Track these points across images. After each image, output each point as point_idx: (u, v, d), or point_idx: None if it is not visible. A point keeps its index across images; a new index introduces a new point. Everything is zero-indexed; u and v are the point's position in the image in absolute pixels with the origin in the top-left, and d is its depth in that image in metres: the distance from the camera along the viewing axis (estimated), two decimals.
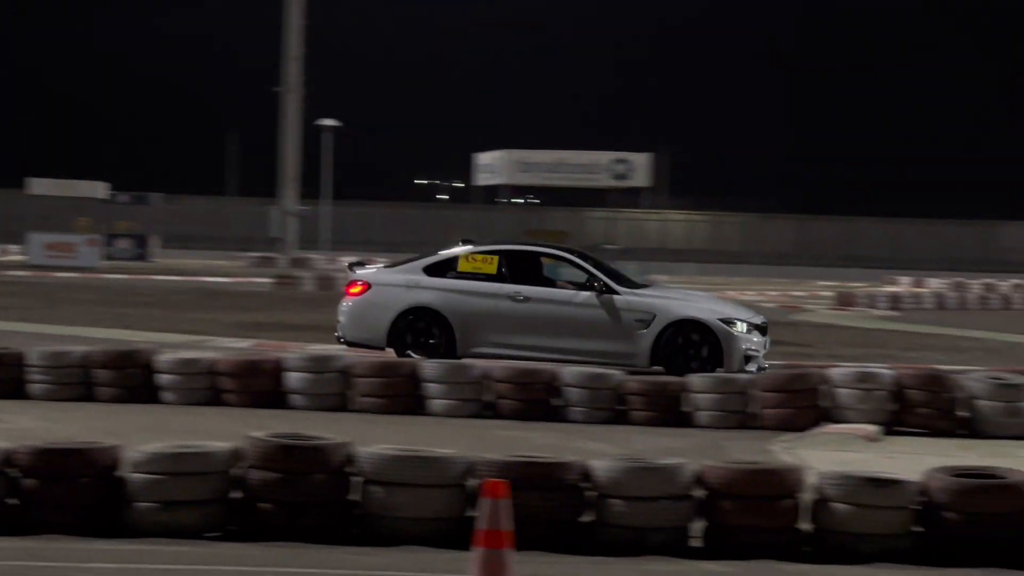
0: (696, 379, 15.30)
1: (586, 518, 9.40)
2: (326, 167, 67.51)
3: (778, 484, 9.24)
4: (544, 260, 20.19)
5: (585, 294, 19.41)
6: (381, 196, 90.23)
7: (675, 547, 9.24)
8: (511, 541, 6.97)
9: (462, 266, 19.75)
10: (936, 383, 15.07)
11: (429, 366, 15.63)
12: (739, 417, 15.09)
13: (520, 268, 19.86)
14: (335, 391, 15.47)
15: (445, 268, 19.80)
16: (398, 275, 19.78)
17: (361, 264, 21.13)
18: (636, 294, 19.56)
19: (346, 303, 19.79)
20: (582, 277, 19.60)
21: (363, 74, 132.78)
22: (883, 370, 15.60)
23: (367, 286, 19.70)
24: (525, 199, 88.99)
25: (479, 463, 9.39)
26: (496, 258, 19.83)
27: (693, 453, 12.00)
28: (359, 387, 15.43)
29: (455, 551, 8.93)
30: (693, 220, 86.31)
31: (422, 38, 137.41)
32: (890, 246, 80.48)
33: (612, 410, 15.20)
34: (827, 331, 30.14)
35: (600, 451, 12.62)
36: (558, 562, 8.99)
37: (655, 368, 18.51)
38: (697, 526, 9.43)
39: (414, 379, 15.46)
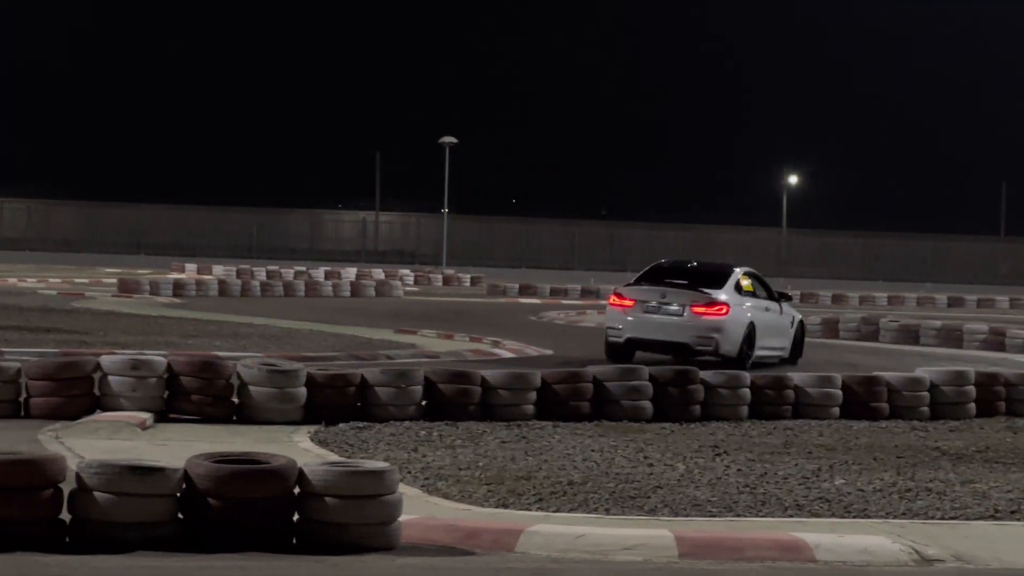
0: None
1: None
2: None
3: (36, 474, 8.96)
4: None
5: (776, 304, 25.20)
6: None
7: None
8: None
9: (743, 287, 24.52)
10: (209, 369, 15.12)
11: None
12: (8, 406, 14.66)
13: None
14: None
15: (738, 288, 24.41)
16: (735, 297, 24.12)
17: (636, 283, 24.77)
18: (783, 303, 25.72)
19: (716, 321, 23.56)
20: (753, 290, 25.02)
21: None
22: (155, 357, 15.54)
23: (729, 307, 23.71)
24: None
25: None
26: (750, 278, 25.00)
27: None
28: None
29: None
30: None
31: None
32: (178, 233, 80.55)
33: None
34: (108, 319, 29.81)
35: None
36: None
37: None
38: None
39: None
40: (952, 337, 32.40)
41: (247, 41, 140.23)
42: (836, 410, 17.39)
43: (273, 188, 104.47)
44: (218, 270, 56.02)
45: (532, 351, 26.26)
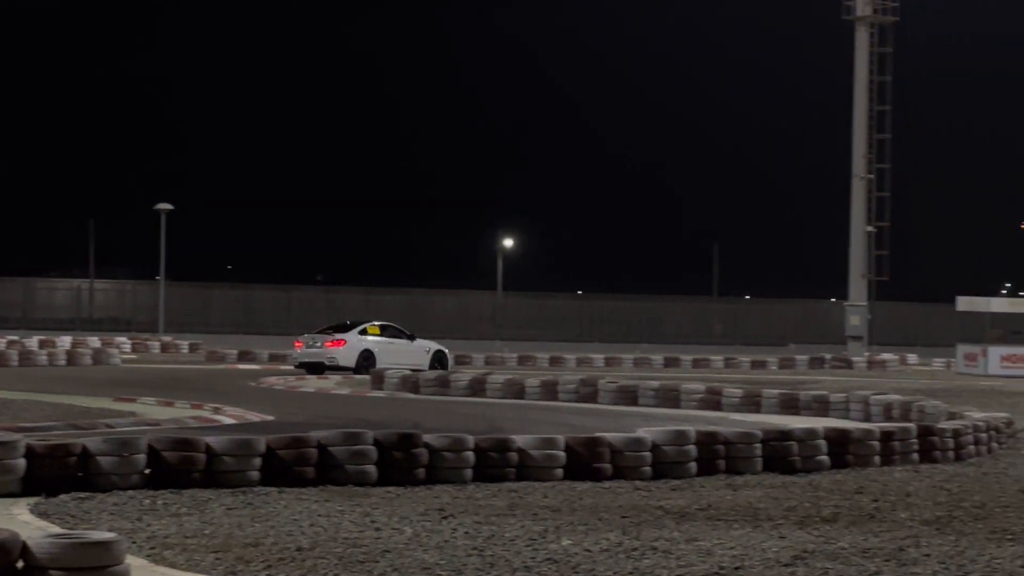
0: None
1: None
2: None
3: None
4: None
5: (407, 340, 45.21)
6: None
7: None
8: None
9: (368, 331, 44.42)
10: None
11: None
12: None
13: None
14: None
15: (363, 332, 44.36)
16: (354, 336, 44.35)
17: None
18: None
19: (335, 349, 43.38)
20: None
21: None
22: None
23: (344, 342, 43.58)
24: None
25: None
26: (379, 328, 44.86)
27: None
28: None
29: None
30: None
31: None
32: None
33: None
34: None
35: None
36: None
37: None
38: None
39: None
40: (670, 397, 33.03)
41: None
42: (559, 471, 17.53)
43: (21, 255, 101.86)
44: None
45: (254, 416, 26.05)
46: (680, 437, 18.38)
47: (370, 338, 43.84)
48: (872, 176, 68.76)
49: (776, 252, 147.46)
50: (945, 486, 17.71)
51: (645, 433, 18.38)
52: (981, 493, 17.00)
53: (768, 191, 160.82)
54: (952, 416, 24.54)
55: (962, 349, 57.85)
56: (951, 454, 21.06)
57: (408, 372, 37.80)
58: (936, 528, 13.90)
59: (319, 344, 43.31)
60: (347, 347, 43.21)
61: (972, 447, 21.75)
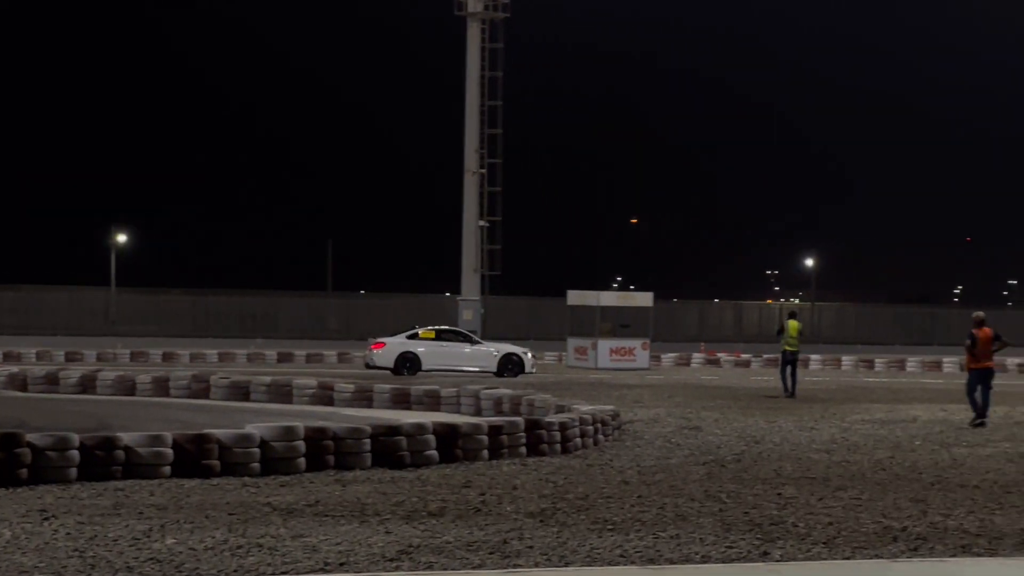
0: None
1: None
2: None
3: None
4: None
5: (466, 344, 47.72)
6: None
7: None
8: None
9: (420, 335, 47.03)
10: None
11: None
12: None
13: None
14: None
15: (413, 336, 47.13)
16: (400, 339, 47.28)
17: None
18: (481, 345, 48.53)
19: (374, 351, 47.05)
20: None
21: None
22: None
23: (384, 344, 46.96)
24: None
25: None
26: (435, 332, 47.62)
27: None
28: None
29: None
30: None
31: None
32: None
33: None
34: None
35: None
36: None
37: None
38: None
39: None
40: (282, 392, 32.92)
41: None
42: (167, 469, 17.29)
43: None
44: None
45: None
46: (289, 433, 18.33)
47: (418, 341, 46.74)
48: (484, 171, 69.62)
49: (391, 247, 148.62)
50: (551, 478, 18.10)
51: (254, 429, 18.25)
52: (585, 485, 17.43)
53: (383, 187, 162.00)
54: (560, 409, 25.06)
55: (572, 343, 59.10)
56: (558, 447, 21.52)
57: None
58: (540, 520, 14.18)
59: (369, 346, 48.44)
60: (385, 349, 46.84)
61: (579, 440, 22.27)
